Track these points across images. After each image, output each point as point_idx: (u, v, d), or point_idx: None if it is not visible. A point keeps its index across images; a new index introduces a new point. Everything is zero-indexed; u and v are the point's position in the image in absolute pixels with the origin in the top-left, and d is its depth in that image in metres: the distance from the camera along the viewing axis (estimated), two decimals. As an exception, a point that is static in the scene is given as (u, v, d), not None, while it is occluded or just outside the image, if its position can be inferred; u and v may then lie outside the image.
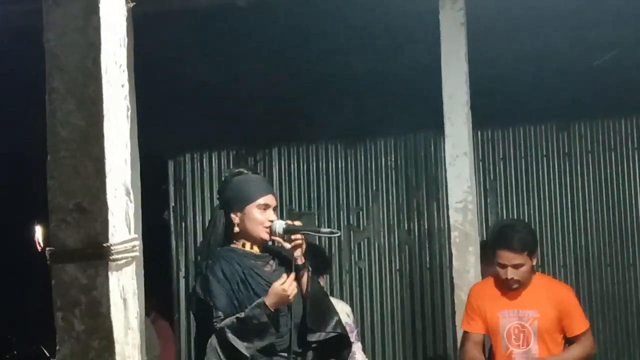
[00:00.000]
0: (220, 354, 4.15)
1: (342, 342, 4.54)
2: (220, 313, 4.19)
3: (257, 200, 4.36)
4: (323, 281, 5.65)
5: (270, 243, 4.51)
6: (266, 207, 4.38)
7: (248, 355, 4.16)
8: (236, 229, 4.36)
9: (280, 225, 4.34)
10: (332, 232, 4.77)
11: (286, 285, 4.21)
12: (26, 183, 7.76)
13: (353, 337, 5.76)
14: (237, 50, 7.37)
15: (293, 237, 4.32)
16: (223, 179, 4.50)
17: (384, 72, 7.46)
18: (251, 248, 4.40)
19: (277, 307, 4.23)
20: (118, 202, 2.50)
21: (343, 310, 5.80)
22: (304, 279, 4.38)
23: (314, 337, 4.40)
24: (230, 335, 4.15)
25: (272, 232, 4.36)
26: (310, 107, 7.67)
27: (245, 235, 4.38)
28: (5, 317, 8.30)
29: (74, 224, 2.45)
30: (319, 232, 4.87)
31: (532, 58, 7.21)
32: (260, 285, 4.30)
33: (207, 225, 4.51)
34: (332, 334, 4.45)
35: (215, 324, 4.17)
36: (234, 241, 4.40)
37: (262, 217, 4.35)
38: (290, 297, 4.23)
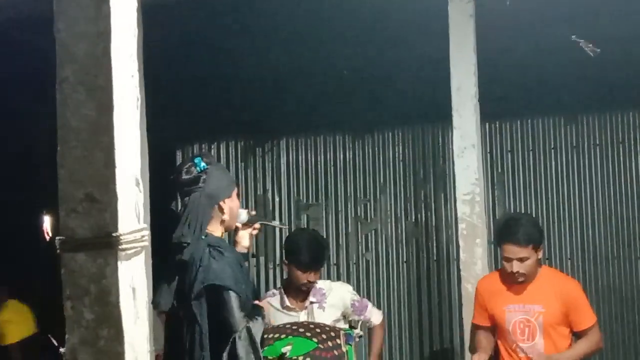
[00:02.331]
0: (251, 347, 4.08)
1: None
2: (244, 309, 4.10)
3: (235, 187, 4.35)
4: (317, 277, 5.71)
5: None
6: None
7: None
8: (225, 217, 4.24)
9: (244, 213, 4.40)
10: (281, 224, 4.92)
11: None
12: (34, 173, 7.78)
13: (362, 304, 5.83)
14: (246, 40, 7.37)
15: (256, 225, 4.43)
16: (195, 165, 4.20)
17: (392, 63, 7.46)
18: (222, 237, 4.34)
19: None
20: (128, 192, 2.50)
21: (346, 290, 5.88)
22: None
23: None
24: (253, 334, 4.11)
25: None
26: (318, 98, 7.68)
27: (228, 223, 4.29)
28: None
29: (83, 214, 2.45)
30: (270, 222, 5.11)
31: (541, 50, 7.19)
32: (249, 280, 4.32)
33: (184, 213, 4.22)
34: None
35: (239, 318, 4.05)
36: (211, 230, 4.23)
37: (238, 203, 4.38)
38: None
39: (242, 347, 4.03)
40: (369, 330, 5.94)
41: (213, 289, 4.08)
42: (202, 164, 4.20)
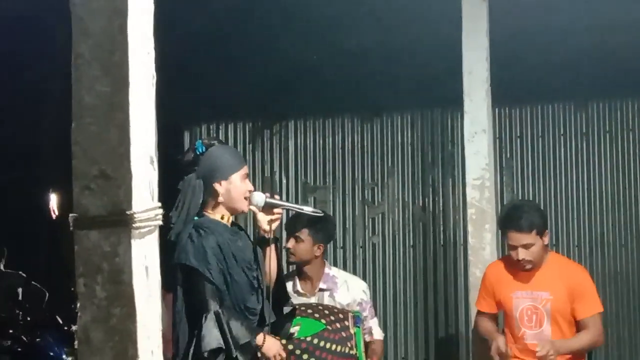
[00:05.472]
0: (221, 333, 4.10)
1: (291, 315, 4.63)
2: (217, 292, 4.14)
3: (241, 169, 4.31)
4: (320, 250, 5.68)
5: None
6: (246, 176, 4.35)
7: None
8: (220, 199, 4.26)
9: (260, 197, 4.32)
10: (314, 211, 4.67)
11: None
12: (41, 149, 7.77)
13: (368, 312, 5.79)
14: (255, 22, 7.34)
15: (275, 211, 4.34)
16: (195, 148, 4.26)
17: (403, 46, 7.42)
18: (227, 220, 4.33)
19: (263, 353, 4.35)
20: (142, 170, 2.49)
21: (360, 287, 5.84)
22: (274, 253, 4.41)
23: (286, 309, 4.52)
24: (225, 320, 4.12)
25: (249, 203, 4.33)
26: (327, 81, 7.64)
27: (227, 205, 4.29)
28: (17, 284, 8.32)
29: (97, 191, 2.43)
30: (302, 209, 4.70)
31: (553, 36, 7.16)
32: (244, 261, 4.28)
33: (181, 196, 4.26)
34: (291, 307, 4.58)
35: (209, 300, 4.11)
36: (209, 211, 4.28)
37: (245, 187, 4.31)
38: None
39: (206, 329, 4.05)
40: (368, 342, 5.78)
41: (184, 268, 4.15)
42: (202, 147, 4.25)
